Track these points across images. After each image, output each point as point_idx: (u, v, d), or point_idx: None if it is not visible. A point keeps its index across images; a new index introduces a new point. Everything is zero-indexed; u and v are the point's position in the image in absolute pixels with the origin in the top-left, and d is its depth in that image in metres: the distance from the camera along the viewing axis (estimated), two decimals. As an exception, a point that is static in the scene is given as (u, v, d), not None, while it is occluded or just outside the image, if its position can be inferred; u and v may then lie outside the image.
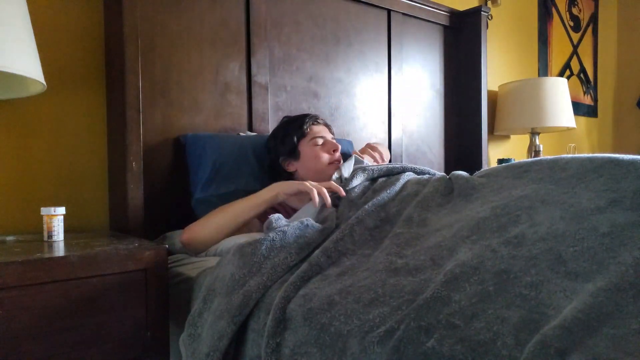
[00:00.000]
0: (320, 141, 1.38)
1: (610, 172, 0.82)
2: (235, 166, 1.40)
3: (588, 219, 0.71)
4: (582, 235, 0.68)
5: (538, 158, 1.01)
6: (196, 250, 1.18)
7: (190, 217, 1.39)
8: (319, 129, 1.41)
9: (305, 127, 1.39)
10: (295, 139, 1.38)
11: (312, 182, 1.15)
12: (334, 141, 1.40)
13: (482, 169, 1.15)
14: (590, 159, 0.88)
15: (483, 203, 0.90)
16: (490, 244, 0.72)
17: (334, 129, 1.70)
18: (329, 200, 1.10)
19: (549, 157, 0.99)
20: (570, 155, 0.95)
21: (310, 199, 1.12)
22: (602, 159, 0.86)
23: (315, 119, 1.42)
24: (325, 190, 1.12)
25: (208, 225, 1.16)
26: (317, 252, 0.86)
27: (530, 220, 0.77)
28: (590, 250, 0.64)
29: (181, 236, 1.17)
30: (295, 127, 1.39)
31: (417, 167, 1.31)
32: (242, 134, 1.54)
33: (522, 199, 0.84)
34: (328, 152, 1.38)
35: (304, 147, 1.38)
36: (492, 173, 1.04)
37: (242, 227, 1.22)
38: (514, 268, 0.64)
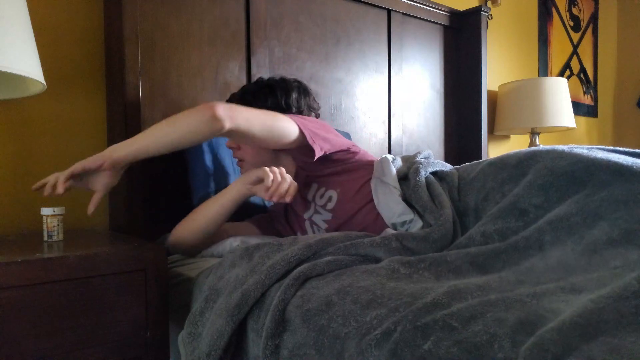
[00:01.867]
0: None
1: (620, 191, 0.77)
2: (230, 160, 1.40)
3: (600, 253, 0.69)
4: (594, 269, 0.67)
5: (532, 152, 0.95)
6: (184, 253, 1.16)
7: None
8: None
9: None
10: None
11: (275, 168, 1.03)
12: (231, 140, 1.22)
13: (472, 163, 1.11)
14: (595, 164, 0.83)
15: (486, 224, 0.88)
16: (499, 273, 0.72)
17: (335, 129, 1.65)
18: (282, 190, 1.01)
19: (544, 151, 0.94)
20: (567, 150, 0.90)
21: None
22: (609, 168, 0.81)
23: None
24: (284, 182, 1.01)
25: (187, 228, 1.12)
26: (328, 258, 0.84)
27: (541, 253, 0.75)
28: (601, 278, 0.64)
29: (168, 239, 1.15)
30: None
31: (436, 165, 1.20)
32: None
33: (530, 222, 0.82)
34: None
35: None
36: (487, 175, 1.00)
37: (222, 231, 1.18)
38: (520, 289, 0.64)
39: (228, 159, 1.40)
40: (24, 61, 1.00)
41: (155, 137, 0.99)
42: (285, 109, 1.21)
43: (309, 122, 1.14)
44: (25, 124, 1.28)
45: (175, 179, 1.42)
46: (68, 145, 1.34)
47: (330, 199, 1.15)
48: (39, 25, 1.28)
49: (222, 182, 1.37)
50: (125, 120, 1.25)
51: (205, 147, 1.38)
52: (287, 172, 1.21)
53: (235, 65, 1.57)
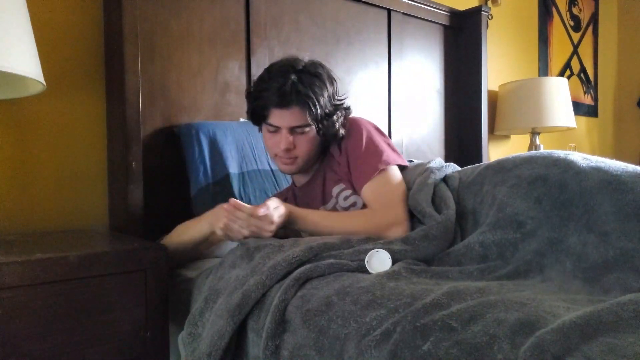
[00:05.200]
0: (272, 129, 1.14)
1: (611, 203, 0.78)
2: (228, 151, 1.39)
3: (599, 280, 0.71)
4: (596, 297, 0.68)
5: (528, 156, 0.96)
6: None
7: (190, 215, 1.39)
8: (278, 117, 1.11)
9: (267, 107, 1.12)
10: (257, 114, 1.16)
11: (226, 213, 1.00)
12: (288, 138, 1.12)
13: (472, 166, 1.13)
14: (586, 174, 0.84)
15: (485, 233, 0.88)
16: (500, 281, 0.73)
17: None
18: (241, 233, 1.00)
19: (540, 157, 0.94)
20: (563, 157, 0.91)
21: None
22: (599, 178, 0.82)
23: (281, 102, 1.09)
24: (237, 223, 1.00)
25: (170, 245, 1.10)
26: (330, 260, 0.84)
27: (541, 275, 0.77)
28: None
29: None
30: (261, 100, 1.13)
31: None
32: (242, 119, 1.54)
33: (527, 233, 0.83)
34: (274, 145, 1.16)
35: (263, 126, 1.18)
36: (484, 178, 1.01)
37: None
38: (521, 295, 0.65)
39: (226, 148, 1.39)
40: (24, 61, 1.00)
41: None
42: (337, 105, 1.18)
43: (386, 145, 1.17)
44: (25, 124, 1.28)
45: (175, 179, 1.41)
46: (68, 145, 1.34)
47: (355, 204, 1.16)
48: (39, 25, 1.27)
49: (216, 169, 1.36)
50: (125, 120, 1.25)
51: (198, 136, 1.36)
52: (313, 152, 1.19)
53: (235, 65, 1.57)
